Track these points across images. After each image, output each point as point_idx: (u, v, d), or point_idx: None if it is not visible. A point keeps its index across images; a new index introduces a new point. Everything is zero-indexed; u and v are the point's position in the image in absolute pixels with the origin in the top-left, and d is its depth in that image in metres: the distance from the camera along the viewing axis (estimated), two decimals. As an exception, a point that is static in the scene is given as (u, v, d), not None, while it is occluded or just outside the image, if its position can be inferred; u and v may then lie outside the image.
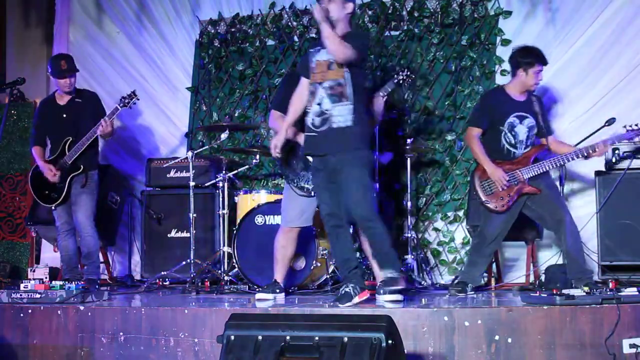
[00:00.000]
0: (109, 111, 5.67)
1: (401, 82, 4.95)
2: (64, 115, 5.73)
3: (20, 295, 4.57)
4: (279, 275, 4.93)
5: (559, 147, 5.01)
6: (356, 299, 4.30)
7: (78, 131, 5.64)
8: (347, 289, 4.33)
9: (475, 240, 5.13)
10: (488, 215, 4.94)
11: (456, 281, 5.10)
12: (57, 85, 5.80)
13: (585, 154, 4.85)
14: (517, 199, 4.86)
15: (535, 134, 4.98)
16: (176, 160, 6.41)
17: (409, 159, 5.98)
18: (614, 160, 5.51)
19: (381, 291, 4.60)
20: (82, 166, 5.63)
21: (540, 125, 4.95)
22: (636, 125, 4.90)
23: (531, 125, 4.94)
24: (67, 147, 5.65)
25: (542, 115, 4.99)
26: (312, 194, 4.76)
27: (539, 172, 4.85)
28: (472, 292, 4.94)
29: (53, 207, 5.72)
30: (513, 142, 4.92)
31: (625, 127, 4.95)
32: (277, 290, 4.85)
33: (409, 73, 4.94)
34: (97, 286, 5.50)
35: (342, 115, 4.32)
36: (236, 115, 6.99)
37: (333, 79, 4.35)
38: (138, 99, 5.84)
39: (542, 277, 5.46)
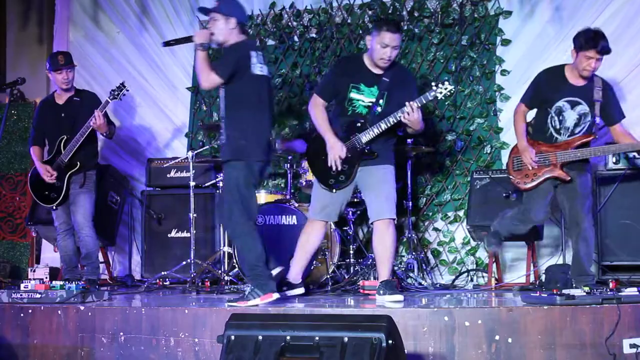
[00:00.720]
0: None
1: (439, 95, 4.72)
2: (62, 115, 5.73)
3: (21, 295, 4.57)
4: (295, 267, 4.92)
5: (622, 137, 4.82)
6: (258, 300, 4.37)
7: (75, 130, 5.63)
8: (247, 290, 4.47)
9: (518, 215, 5.02)
10: (531, 197, 4.86)
11: (492, 230, 5.15)
12: (55, 83, 5.80)
13: (638, 149, 4.75)
14: (544, 180, 4.78)
15: (594, 121, 4.81)
16: (176, 160, 6.42)
17: (409, 159, 5.97)
18: (614, 160, 5.51)
19: (381, 291, 4.62)
20: (78, 163, 5.62)
21: (594, 114, 4.74)
22: None
23: (583, 112, 4.75)
24: (62, 145, 5.64)
25: (605, 104, 4.75)
26: (334, 191, 4.79)
27: (574, 159, 4.72)
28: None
29: (54, 207, 5.71)
30: (558, 127, 4.79)
31: None
32: (284, 288, 4.84)
33: (451, 89, 4.71)
34: (97, 286, 5.49)
35: (222, 133, 4.55)
36: (236, 115, 6.98)
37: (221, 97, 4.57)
38: (127, 90, 5.82)
39: (542, 277, 5.46)
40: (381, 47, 4.69)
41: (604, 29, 5.95)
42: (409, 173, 6.00)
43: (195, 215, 5.83)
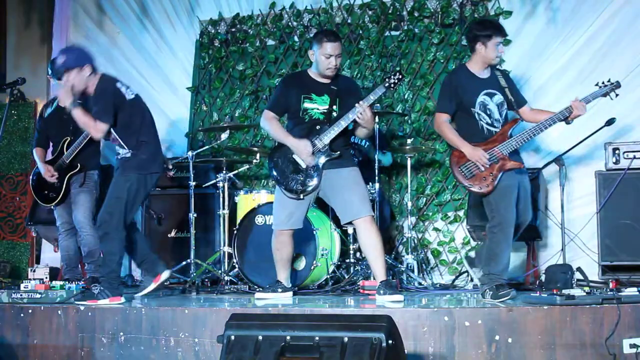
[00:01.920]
0: None
1: (392, 85, 4.78)
2: (65, 117, 5.75)
3: (21, 295, 4.58)
4: (281, 275, 4.95)
5: (536, 115, 4.75)
6: (107, 301, 4.59)
7: (79, 132, 5.64)
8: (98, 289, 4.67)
9: (490, 233, 4.63)
10: (496, 199, 4.56)
11: (488, 287, 4.47)
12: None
13: (563, 117, 4.63)
14: (502, 176, 4.52)
15: (507, 109, 4.73)
16: (176, 160, 6.41)
17: (409, 159, 5.98)
18: (613, 160, 5.51)
19: (381, 291, 4.62)
20: (79, 165, 5.65)
21: (509, 100, 4.70)
22: (608, 81, 4.74)
23: (500, 101, 4.69)
24: (65, 146, 5.67)
25: (510, 88, 4.73)
26: (302, 196, 4.77)
27: (518, 146, 4.60)
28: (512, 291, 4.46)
29: (52, 207, 5.73)
30: (490, 121, 4.63)
31: (597, 84, 4.78)
32: (279, 290, 4.87)
33: (400, 77, 4.77)
34: (98, 283, 5.50)
35: (123, 154, 4.84)
36: (236, 115, 6.99)
37: (107, 137, 4.84)
38: None
39: (542, 277, 5.46)
40: (325, 58, 4.73)
41: (603, 30, 6.02)
42: (409, 173, 5.99)
43: (195, 215, 5.83)
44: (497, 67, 4.82)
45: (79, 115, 4.66)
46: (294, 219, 4.84)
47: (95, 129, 4.67)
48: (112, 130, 4.76)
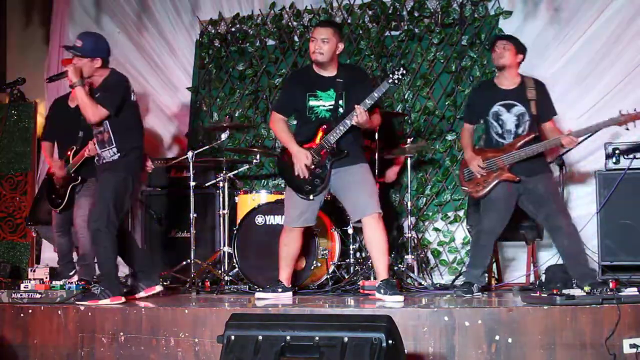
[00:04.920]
0: None
1: (396, 81, 4.77)
2: (72, 120, 5.76)
3: (21, 295, 4.59)
4: (283, 274, 4.94)
5: (549, 134, 4.90)
6: (108, 301, 4.56)
7: (83, 136, 5.63)
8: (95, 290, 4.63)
9: (473, 236, 5.16)
10: (484, 207, 4.91)
11: (461, 282, 5.06)
12: None
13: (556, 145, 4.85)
14: (496, 185, 4.83)
15: (531, 121, 4.86)
16: (176, 160, 6.42)
17: (409, 159, 5.98)
18: (613, 160, 5.52)
19: (381, 291, 4.62)
20: (80, 178, 5.68)
21: (530, 113, 4.83)
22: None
23: (520, 112, 4.85)
24: (71, 156, 5.68)
25: (539, 101, 4.86)
26: (312, 197, 4.77)
27: (519, 159, 4.79)
28: (479, 293, 4.85)
29: (58, 211, 5.76)
30: (500, 131, 4.88)
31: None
32: (279, 290, 4.87)
33: (404, 72, 4.77)
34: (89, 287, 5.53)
35: (108, 157, 4.79)
36: (236, 115, 6.99)
37: (96, 127, 4.81)
38: None
39: (542, 277, 5.45)
40: (311, 42, 4.76)
41: (603, 29, 6.03)
42: (408, 173, 5.99)
43: (195, 215, 5.83)
44: (532, 78, 4.96)
45: (81, 94, 4.64)
46: (305, 217, 4.84)
47: (95, 112, 4.67)
48: (108, 126, 4.74)
